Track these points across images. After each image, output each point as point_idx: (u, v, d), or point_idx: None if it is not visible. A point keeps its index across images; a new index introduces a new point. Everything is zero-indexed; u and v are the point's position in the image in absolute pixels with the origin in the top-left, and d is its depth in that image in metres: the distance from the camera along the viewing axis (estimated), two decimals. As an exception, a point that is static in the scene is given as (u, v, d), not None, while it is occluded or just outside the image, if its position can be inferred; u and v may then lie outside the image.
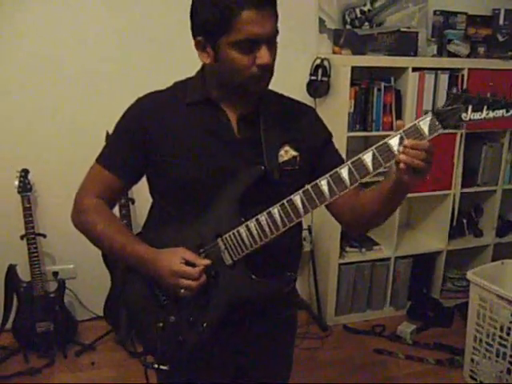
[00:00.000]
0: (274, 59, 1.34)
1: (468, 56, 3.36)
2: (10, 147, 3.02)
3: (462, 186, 3.48)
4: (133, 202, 3.04)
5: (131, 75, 3.04)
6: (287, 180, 1.41)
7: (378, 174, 1.26)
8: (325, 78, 3.13)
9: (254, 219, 1.34)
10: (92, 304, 3.30)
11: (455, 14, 3.39)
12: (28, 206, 2.86)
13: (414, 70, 3.16)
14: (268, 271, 1.38)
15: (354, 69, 3.03)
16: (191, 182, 1.40)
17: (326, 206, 1.48)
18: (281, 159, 1.42)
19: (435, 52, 3.34)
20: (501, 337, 2.67)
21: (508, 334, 2.63)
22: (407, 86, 3.17)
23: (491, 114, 1.16)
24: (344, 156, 3.04)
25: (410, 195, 3.43)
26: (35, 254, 2.90)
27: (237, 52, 1.28)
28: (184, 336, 1.42)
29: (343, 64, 3.04)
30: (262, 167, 1.37)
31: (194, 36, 1.35)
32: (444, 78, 3.22)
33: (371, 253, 3.47)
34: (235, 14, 1.23)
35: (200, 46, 1.35)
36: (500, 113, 1.15)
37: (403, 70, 3.17)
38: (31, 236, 2.88)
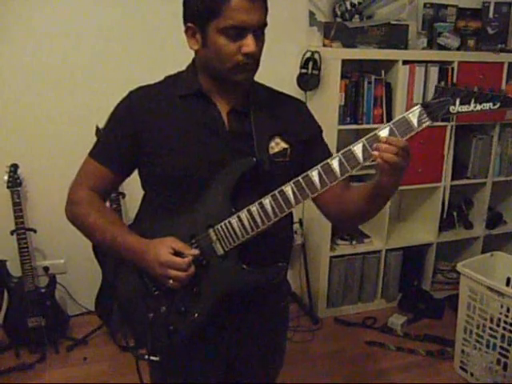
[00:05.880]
0: (260, 50, 1.36)
1: (458, 49, 3.37)
2: (-1, 142, 3.00)
3: (452, 179, 3.49)
4: (123, 196, 3.04)
5: (121, 70, 3.02)
6: (278, 171, 1.42)
7: (367, 166, 1.29)
8: (315, 71, 3.12)
9: (245, 210, 1.36)
10: (83, 299, 3.30)
11: (445, 6, 3.40)
12: (18, 201, 2.84)
13: (405, 62, 3.16)
14: (259, 261, 1.40)
15: (344, 62, 3.03)
16: (183, 174, 1.40)
17: (315, 203, 1.53)
18: (271, 151, 1.44)
19: (425, 45, 3.34)
20: (491, 328, 2.69)
21: (498, 326, 2.65)
22: (397, 79, 3.17)
23: (478, 107, 1.20)
24: (334, 149, 3.06)
25: (400, 188, 3.44)
26: (25, 250, 2.88)
27: (224, 38, 1.30)
28: (175, 326, 1.43)
29: (333, 57, 3.03)
30: (254, 158, 1.38)
31: (185, 22, 1.38)
32: (434, 71, 3.23)
33: (362, 245, 3.49)
34: (225, 1, 1.26)
35: (190, 33, 1.37)
36: (487, 106, 1.20)
37: (393, 62, 3.18)
38: (21, 231, 2.86)
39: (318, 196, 1.34)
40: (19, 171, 2.90)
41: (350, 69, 3.17)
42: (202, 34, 1.34)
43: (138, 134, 1.42)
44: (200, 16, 1.32)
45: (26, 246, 2.88)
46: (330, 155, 1.34)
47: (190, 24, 1.36)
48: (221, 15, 1.27)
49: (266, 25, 1.35)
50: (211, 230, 1.39)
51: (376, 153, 1.24)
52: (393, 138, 1.23)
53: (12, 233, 2.88)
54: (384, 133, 1.25)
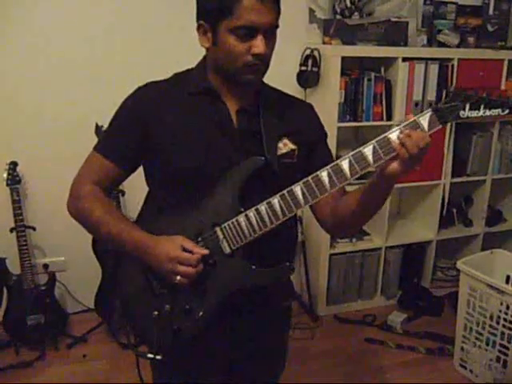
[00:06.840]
0: (270, 52, 1.37)
1: (458, 46, 3.36)
2: (-1, 139, 2.99)
3: (452, 176, 3.49)
4: (123, 194, 3.03)
5: (122, 68, 3.01)
6: (285, 172, 1.42)
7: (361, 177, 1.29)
8: (315, 69, 3.12)
9: (253, 209, 1.35)
10: (83, 296, 3.29)
11: (445, 3, 3.39)
12: (17, 198, 2.84)
13: (404, 59, 3.16)
14: (266, 260, 1.39)
15: (344, 59, 3.03)
16: (189, 171, 1.40)
17: (312, 212, 1.54)
18: (279, 151, 1.44)
19: (425, 42, 3.33)
20: (490, 325, 2.69)
21: (497, 323, 2.65)
22: (397, 76, 3.16)
23: (488, 113, 1.21)
24: (334, 147, 3.06)
25: (400, 185, 3.46)
26: (25, 247, 2.88)
27: (234, 38, 1.30)
28: (179, 324, 1.42)
29: (333, 54, 3.03)
30: (263, 158, 1.38)
31: (197, 20, 1.38)
32: (434, 68, 3.23)
33: (362, 243, 3.49)
34: (236, 0, 1.27)
35: (201, 31, 1.38)
36: (496, 112, 1.21)
37: (393, 60, 3.17)
38: (21, 229, 2.86)
39: (314, 207, 1.35)
40: (18, 169, 2.89)
41: (349, 66, 3.16)
42: (212, 32, 1.34)
43: (146, 129, 1.41)
44: (212, 14, 1.32)
45: (25, 243, 2.88)
46: (331, 161, 1.33)
47: (201, 22, 1.37)
48: (232, 15, 1.28)
49: (277, 26, 1.35)
50: (218, 229, 1.39)
51: (401, 139, 1.23)
52: (419, 132, 1.23)
53: (11, 230, 2.87)
54: (394, 135, 1.25)
